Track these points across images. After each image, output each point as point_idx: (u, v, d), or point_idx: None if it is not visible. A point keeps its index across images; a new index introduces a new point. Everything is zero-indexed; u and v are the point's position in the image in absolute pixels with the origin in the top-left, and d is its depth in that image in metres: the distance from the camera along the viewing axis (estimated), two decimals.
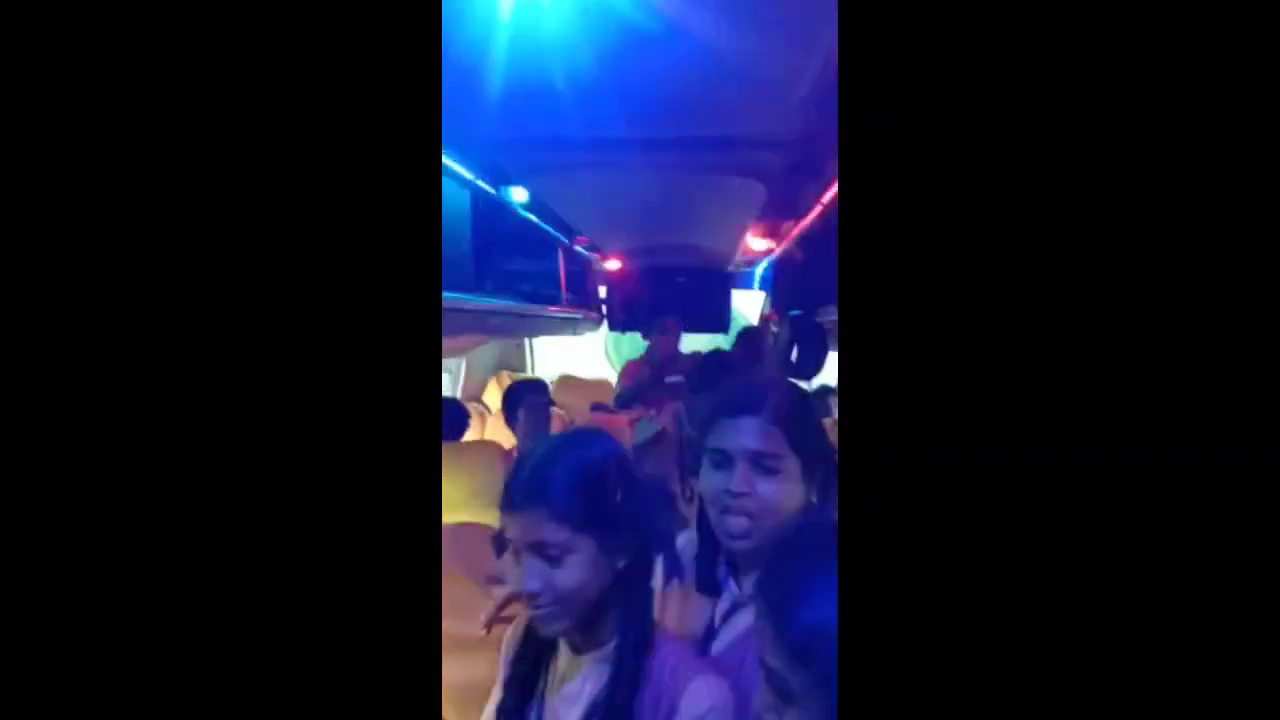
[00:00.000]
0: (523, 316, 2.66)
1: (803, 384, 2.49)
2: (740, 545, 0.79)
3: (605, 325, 4.35)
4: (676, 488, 1.53)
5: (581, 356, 4.75)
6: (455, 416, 2.37)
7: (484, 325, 2.32)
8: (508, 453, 2.04)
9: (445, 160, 1.62)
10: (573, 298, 3.56)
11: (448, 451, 1.70)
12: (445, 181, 1.72)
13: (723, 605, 0.82)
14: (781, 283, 3.34)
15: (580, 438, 0.76)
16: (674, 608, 0.85)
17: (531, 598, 0.69)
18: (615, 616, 0.72)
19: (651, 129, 1.46)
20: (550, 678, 0.75)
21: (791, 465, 0.78)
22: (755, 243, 3.19)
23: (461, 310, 1.82)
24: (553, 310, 3.12)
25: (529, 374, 4.09)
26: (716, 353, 2.26)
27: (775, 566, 0.58)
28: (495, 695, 0.78)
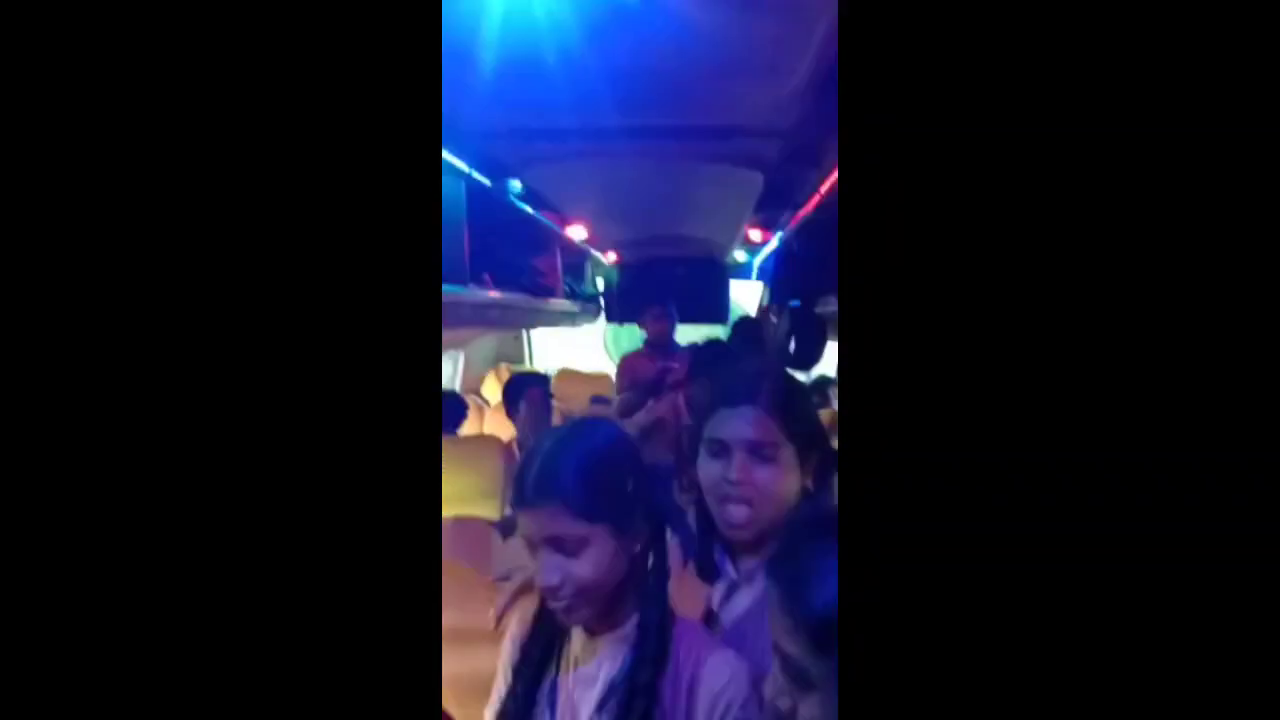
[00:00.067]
0: (521, 309, 2.66)
1: (800, 375, 2.49)
2: (740, 535, 0.80)
3: (604, 317, 4.35)
4: (674, 477, 1.54)
5: (580, 349, 4.76)
6: (453, 409, 2.37)
7: (482, 318, 2.31)
8: (507, 446, 2.04)
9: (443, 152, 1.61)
10: (571, 289, 3.56)
11: (445, 446, 1.69)
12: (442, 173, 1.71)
13: (720, 587, 0.83)
14: (780, 273, 3.34)
15: (586, 428, 0.76)
16: (675, 591, 0.86)
17: (551, 591, 0.69)
18: (632, 599, 0.73)
19: (648, 118, 1.45)
20: (563, 661, 0.76)
21: (787, 453, 0.79)
22: (753, 233, 3.19)
23: (460, 303, 1.81)
24: (551, 302, 3.12)
25: (528, 366, 4.09)
26: (713, 342, 2.26)
27: (789, 553, 0.58)
28: (502, 682, 0.79)
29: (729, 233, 3.26)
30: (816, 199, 2.08)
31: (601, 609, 0.72)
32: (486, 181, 1.96)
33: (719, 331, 3.51)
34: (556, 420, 2.23)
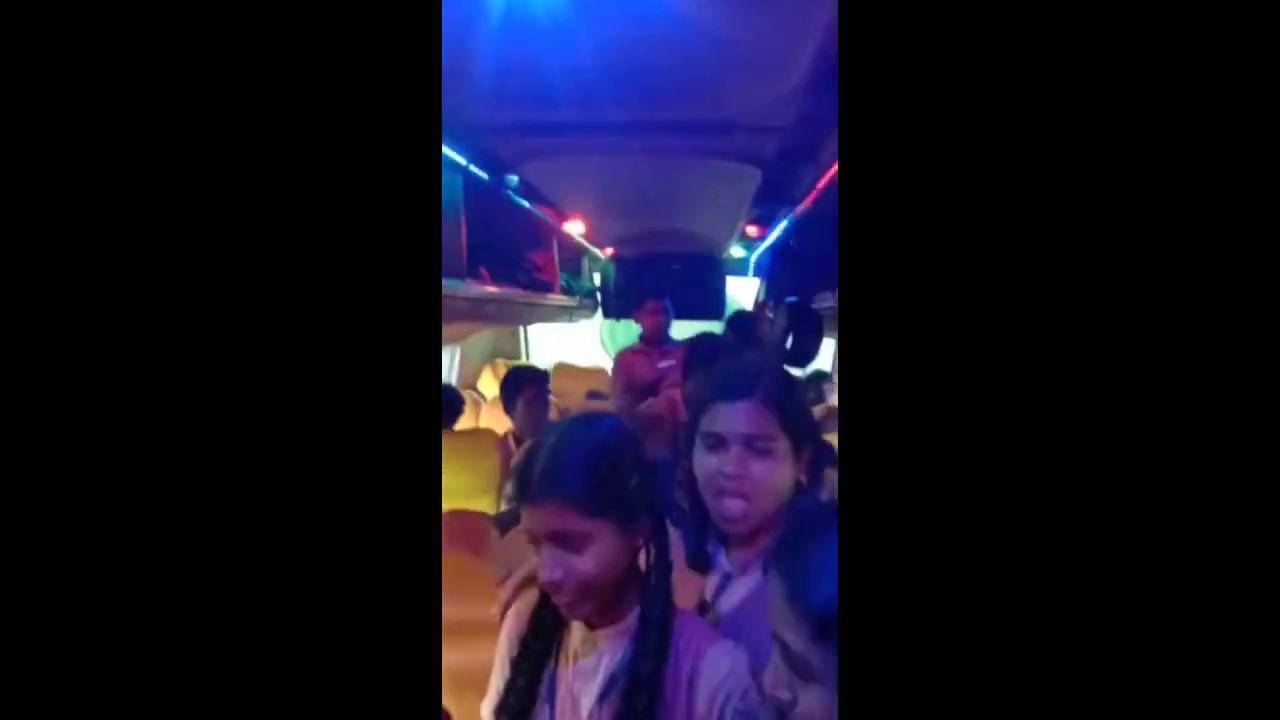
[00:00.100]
0: (518, 304, 2.66)
1: (796, 370, 2.50)
2: (736, 528, 0.81)
3: (600, 312, 4.34)
4: (674, 471, 1.54)
5: (577, 344, 4.75)
6: (449, 404, 2.37)
7: (479, 313, 2.31)
8: (503, 440, 2.05)
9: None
10: (568, 285, 3.55)
11: (442, 440, 1.70)
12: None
13: (714, 579, 0.84)
14: (777, 269, 3.34)
15: (587, 423, 0.76)
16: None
17: (554, 586, 0.69)
18: (633, 592, 0.73)
19: (646, 113, 1.45)
20: (562, 655, 0.76)
21: (783, 447, 0.80)
22: (750, 229, 3.19)
23: (456, 297, 1.81)
24: (548, 297, 3.12)
25: (524, 361, 4.09)
26: (709, 336, 2.26)
27: (790, 545, 0.58)
28: (500, 676, 0.79)
29: (726, 228, 3.25)
30: (814, 195, 2.08)
31: (603, 603, 0.72)
32: (484, 176, 1.95)
33: (715, 327, 3.51)
34: (554, 415, 2.24)
